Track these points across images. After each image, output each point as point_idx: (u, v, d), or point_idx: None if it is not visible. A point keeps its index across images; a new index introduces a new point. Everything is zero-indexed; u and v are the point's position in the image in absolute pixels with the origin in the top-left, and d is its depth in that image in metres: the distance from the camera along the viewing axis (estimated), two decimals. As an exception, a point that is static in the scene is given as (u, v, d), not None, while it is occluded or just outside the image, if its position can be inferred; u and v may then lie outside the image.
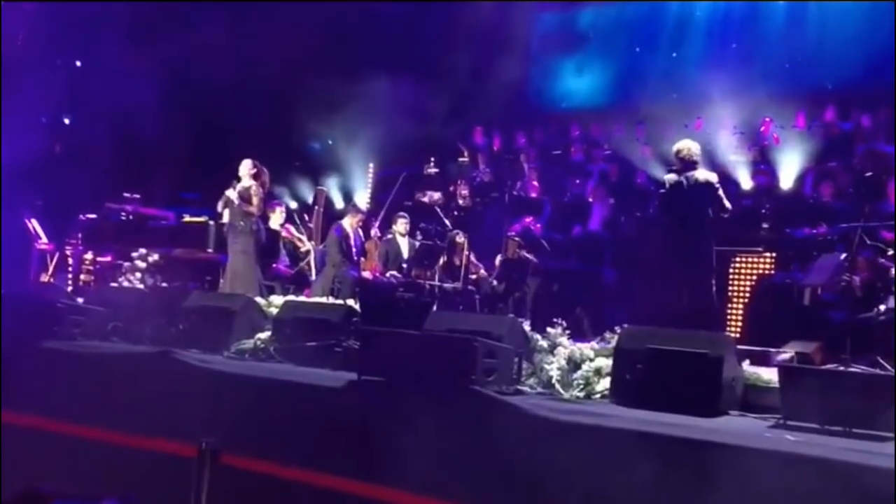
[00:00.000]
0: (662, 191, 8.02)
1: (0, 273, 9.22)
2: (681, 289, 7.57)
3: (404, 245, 10.47)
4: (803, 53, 11.75)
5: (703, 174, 7.78)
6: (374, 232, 11.06)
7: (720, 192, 7.73)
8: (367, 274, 10.28)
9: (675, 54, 13.51)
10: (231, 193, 9.17)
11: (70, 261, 11.00)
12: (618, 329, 5.48)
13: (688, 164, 7.77)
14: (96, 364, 6.14)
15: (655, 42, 13.83)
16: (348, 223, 10.34)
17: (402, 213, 10.63)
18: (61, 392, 5.90)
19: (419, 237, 10.75)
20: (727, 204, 7.77)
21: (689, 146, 7.85)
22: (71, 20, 11.71)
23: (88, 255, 10.91)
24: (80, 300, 7.74)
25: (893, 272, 7.43)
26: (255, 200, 9.22)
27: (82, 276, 10.81)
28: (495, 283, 10.18)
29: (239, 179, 9.28)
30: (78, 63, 12.95)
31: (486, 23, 13.92)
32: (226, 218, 9.73)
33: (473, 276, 10.21)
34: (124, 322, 7.12)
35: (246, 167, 9.31)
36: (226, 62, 11.64)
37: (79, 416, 5.60)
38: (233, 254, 9.24)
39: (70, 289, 10.22)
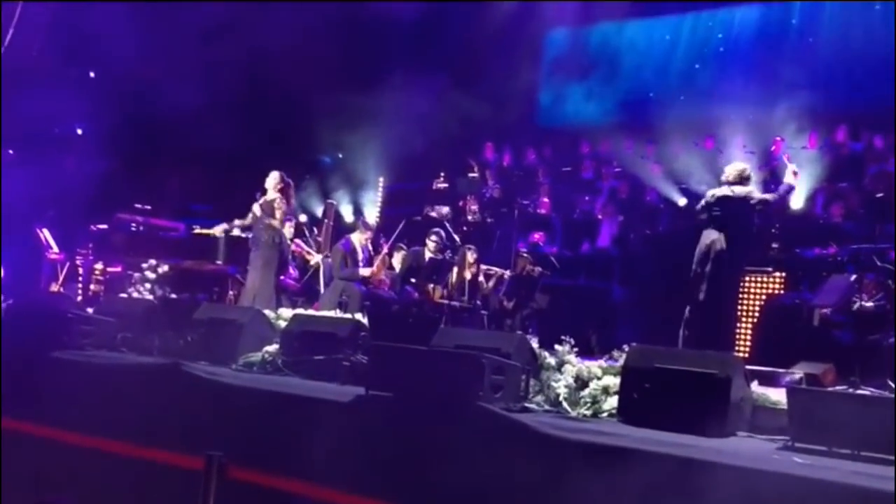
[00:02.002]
0: (708, 203, 7.75)
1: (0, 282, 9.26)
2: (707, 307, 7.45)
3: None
4: (815, 73, 11.76)
5: (744, 189, 7.61)
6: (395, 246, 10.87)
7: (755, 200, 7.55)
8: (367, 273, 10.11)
9: (686, 73, 13.54)
10: (255, 207, 9.11)
11: (80, 271, 11.03)
12: (626, 347, 5.48)
13: (734, 182, 7.65)
14: (105, 375, 6.15)
15: (667, 61, 13.87)
16: (357, 239, 10.32)
17: (436, 230, 10.47)
18: (69, 402, 5.90)
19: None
20: (766, 198, 7.57)
21: (735, 167, 7.74)
22: (86, 31, 11.80)
23: (98, 266, 10.95)
24: (89, 310, 7.76)
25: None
26: (278, 214, 9.12)
27: (92, 287, 10.85)
28: (504, 299, 10.18)
29: (265, 192, 9.22)
30: (92, 74, 13.04)
31: (499, 39, 14.00)
32: (236, 230, 9.78)
33: (484, 290, 10.20)
34: (133, 333, 7.14)
35: (273, 180, 9.21)
36: (238, 75, 11.71)
37: (87, 427, 5.60)
38: (254, 268, 9.12)
39: (80, 299, 10.26)
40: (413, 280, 10.24)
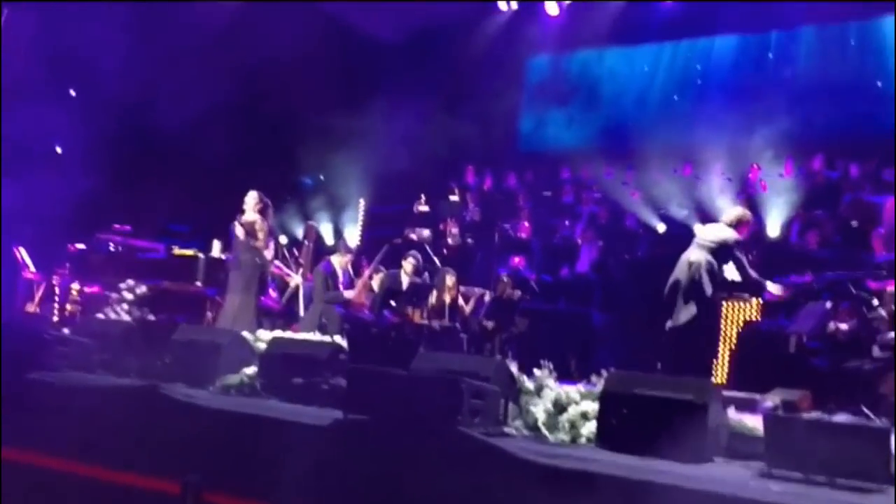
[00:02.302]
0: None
1: None
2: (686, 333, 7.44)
3: (406, 284, 10.43)
4: (792, 102, 11.94)
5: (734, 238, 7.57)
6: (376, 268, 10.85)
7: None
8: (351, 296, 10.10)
9: (665, 100, 13.70)
10: (237, 229, 9.01)
11: (57, 291, 10.92)
12: (604, 372, 5.50)
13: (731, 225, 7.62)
14: (81, 397, 6.07)
15: (646, 88, 14.04)
16: (337, 261, 10.28)
17: (413, 253, 10.48)
18: (44, 424, 5.83)
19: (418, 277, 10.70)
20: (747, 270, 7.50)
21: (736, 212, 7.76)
22: (67, 49, 11.77)
23: (76, 286, 10.83)
24: (66, 331, 7.69)
25: (877, 322, 7.48)
26: (260, 235, 9.00)
27: (69, 307, 10.73)
28: (484, 322, 10.18)
29: (243, 212, 9.14)
30: (72, 92, 12.99)
31: (481, 64, 14.13)
32: (215, 251, 9.72)
33: (464, 313, 10.21)
34: (110, 354, 7.08)
35: (252, 200, 9.10)
36: (219, 95, 11.70)
37: (62, 450, 5.53)
38: (233, 290, 9.00)
39: (56, 319, 10.16)
40: (391, 303, 10.22)
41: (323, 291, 9.89)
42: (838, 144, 11.89)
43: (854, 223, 9.91)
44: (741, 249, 7.52)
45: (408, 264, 10.27)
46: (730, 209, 8.04)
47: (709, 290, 7.24)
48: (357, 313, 9.98)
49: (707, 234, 7.53)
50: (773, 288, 7.65)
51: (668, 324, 7.41)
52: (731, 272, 7.48)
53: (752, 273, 7.55)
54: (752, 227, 8.09)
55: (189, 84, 11.51)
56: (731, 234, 7.43)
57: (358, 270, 10.78)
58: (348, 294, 10.03)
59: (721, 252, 7.34)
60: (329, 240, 13.06)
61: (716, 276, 7.29)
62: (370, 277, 10.60)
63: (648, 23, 13.83)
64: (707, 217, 10.53)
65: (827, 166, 11.72)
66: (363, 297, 10.22)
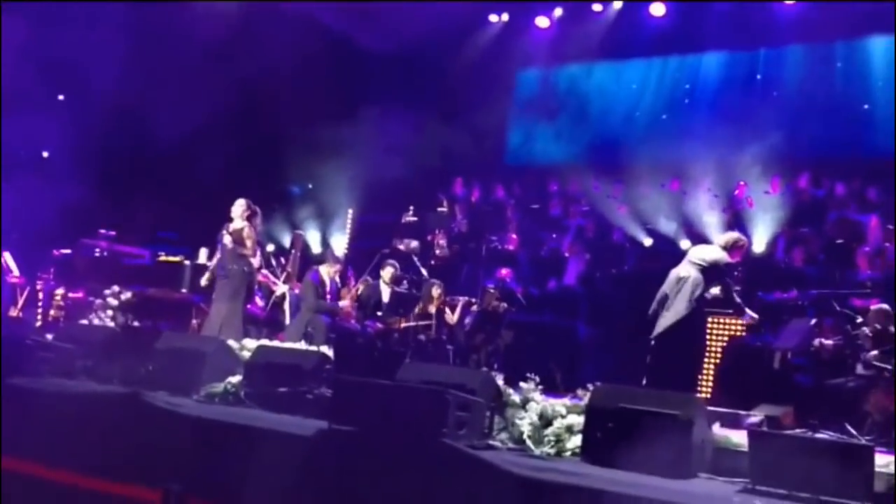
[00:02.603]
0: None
1: None
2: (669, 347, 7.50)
3: (386, 293, 10.42)
4: (779, 121, 12.03)
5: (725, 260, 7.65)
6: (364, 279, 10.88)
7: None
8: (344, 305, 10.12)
9: (653, 116, 13.78)
10: (225, 237, 8.93)
11: (40, 295, 10.84)
12: (590, 386, 5.50)
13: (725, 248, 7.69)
14: (62, 403, 6.02)
15: (635, 104, 14.12)
16: (325, 271, 10.25)
17: (391, 262, 10.50)
18: (25, 430, 5.78)
19: (404, 285, 10.71)
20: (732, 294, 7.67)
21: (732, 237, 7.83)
22: (57, 55, 11.74)
23: (59, 291, 10.76)
24: (48, 336, 7.62)
25: (861, 339, 7.52)
26: (248, 243, 8.93)
27: (52, 312, 10.66)
28: (470, 333, 10.18)
29: (231, 220, 9.08)
30: (61, 97, 12.94)
31: (471, 76, 14.18)
32: (201, 258, 9.68)
33: (450, 324, 10.20)
34: (93, 361, 7.01)
35: (240, 208, 9.03)
36: (207, 103, 11.68)
37: (42, 457, 5.48)
38: (220, 298, 8.92)
39: (39, 324, 10.08)
40: (373, 313, 10.21)
41: (313, 301, 9.85)
42: (824, 163, 11.99)
43: (839, 241, 9.97)
44: (730, 274, 7.62)
45: (385, 273, 10.31)
46: (727, 233, 8.07)
47: (693, 304, 7.28)
48: (343, 323, 9.95)
49: (700, 253, 7.58)
50: (751, 315, 7.81)
51: (652, 335, 7.45)
52: (716, 291, 7.56)
53: (736, 298, 7.71)
54: (745, 251, 8.17)
55: (179, 92, 11.50)
56: (723, 257, 7.49)
57: (344, 280, 10.76)
58: (342, 304, 10.03)
59: (711, 272, 7.39)
60: (316, 248, 13.03)
61: (702, 292, 7.34)
62: (357, 287, 10.59)
63: (638, 38, 13.92)
64: (693, 232, 10.60)
65: (813, 184, 11.81)
66: (350, 308, 10.21)
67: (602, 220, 12.13)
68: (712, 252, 7.54)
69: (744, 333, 9.12)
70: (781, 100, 12.75)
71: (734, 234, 7.88)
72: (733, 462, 4.99)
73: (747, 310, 7.79)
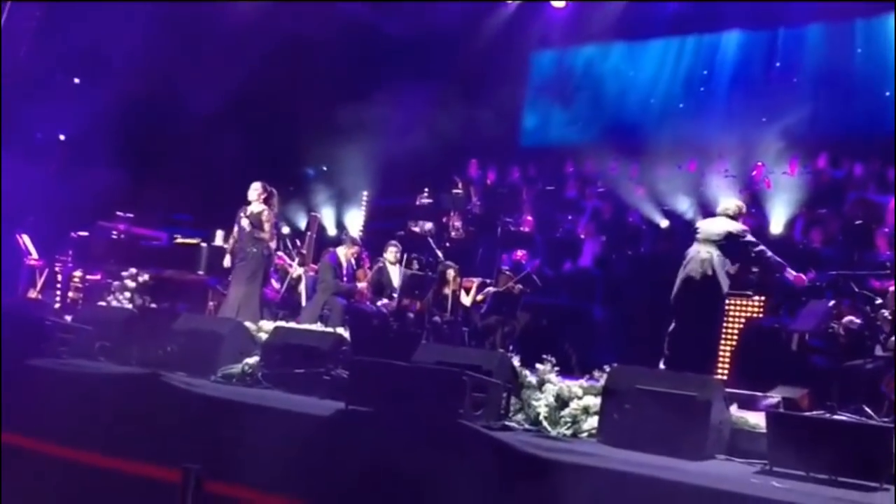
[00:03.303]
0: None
1: None
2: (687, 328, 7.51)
3: (395, 274, 10.44)
4: (797, 101, 11.90)
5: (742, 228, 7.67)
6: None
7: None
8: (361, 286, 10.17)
9: (671, 97, 13.66)
10: (243, 220, 9.01)
11: (59, 278, 10.92)
12: (606, 367, 5.49)
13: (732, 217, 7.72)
14: (81, 384, 6.08)
15: (652, 84, 13.99)
16: (342, 253, 10.28)
17: (392, 242, 10.57)
18: (45, 411, 5.83)
19: (415, 267, 10.72)
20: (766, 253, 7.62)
21: (734, 202, 7.83)
22: (72, 37, 11.76)
23: (78, 273, 10.84)
24: (67, 318, 7.68)
25: (880, 321, 7.47)
26: (266, 227, 9.02)
27: (70, 294, 10.74)
28: (485, 316, 10.17)
29: (249, 203, 9.13)
30: (76, 80, 12.98)
31: (486, 57, 14.09)
32: (218, 240, 9.71)
33: (465, 306, 10.21)
34: (112, 342, 7.07)
35: (256, 191, 9.09)
36: (224, 86, 11.69)
37: (62, 437, 5.54)
38: (238, 280, 9.00)
39: (58, 306, 10.15)
40: (388, 294, 10.24)
41: (331, 282, 9.88)
42: (843, 143, 11.85)
43: (858, 222, 9.88)
44: (752, 235, 7.58)
45: (389, 254, 10.32)
46: (726, 200, 8.02)
47: (724, 284, 7.28)
48: (359, 304, 9.98)
49: (712, 227, 7.54)
50: (792, 273, 7.71)
51: (673, 324, 7.45)
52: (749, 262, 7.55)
53: (774, 256, 7.63)
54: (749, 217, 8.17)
55: (194, 75, 11.50)
56: (737, 226, 7.47)
57: (360, 262, 10.79)
58: (360, 285, 10.07)
59: (729, 245, 7.36)
60: (332, 231, 13.05)
61: (726, 270, 7.35)
62: (371, 268, 10.62)
63: (655, 19, 13.76)
64: (710, 213, 10.52)
65: (831, 165, 11.68)
66: (367, 289, 10.24)
67: (618, 202, 12.05)
68: (724, 224, 7.52)
69: (761, 315, 9.08)
70: (800, 80, 12.60)
71: (737, 200, 7.87)
72: (751, 444, 4.99)
73: (787, 268, 7.68)
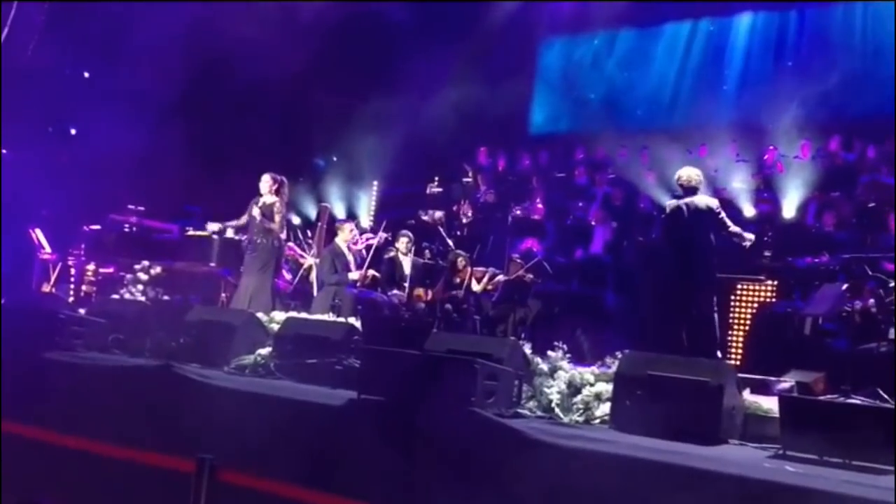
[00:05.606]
0: (663, 216, 8.03)
1: (0, 283, 9.22)
2: (683, 315, 7.57)
3: (407, 264, 10.44)
4: (809, 84, 11.80)
5: (703, 200, 7.79)
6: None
7: (722, 215, 7.73)
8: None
9: (682, 80, 13.58)
10: (255, 210, 9.07)
11: (72, 271, 10.99)
12: (618, 354, 5.49)
13: (688, 190, 7.80)
14: (96, 376, 6.14)
15: (662, 69, 13.91)
16: (341, 239, 10.30)
17: (404, 232, 10.57)
18: (60, 403, 5.89)
19: (427, 256, 10.72)
20: (731, 225, 7.76)
21: (688, 173, 7.89)
22: (80, 31, 11.78)
23: (91, 267, 10.91)
24: (81, 311, 7.74)
25: (893, 304, 7.42)
26: (277, 218, 9.10)
27: (84, 287, 10.81)
28: (497, 304, 10.16)
29: (260, 195, 9.19)
30: (86, 74, 13.01)
31: (495, 44, 14.03)
32: (229, 232, 9.75)
33: (477, 294, 10.20)
34: (125, 334, 7.13)
35: (266, 183, 9.17)
36: (233, 77, 11.69)
37: (77, 428, 5.57)
38: (249, 273, 9.07)
39: (71, 299, 10.22)
40: (398, 284, 10.24)
41: (329, 273, 9.89)
42: (855, 126, 11.76)
43: (871, 204, 9.81)
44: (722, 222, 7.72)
45: (400, 244, 10.32)
46: (684, 170, 8.02)
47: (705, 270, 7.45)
48: (371, 294, 9.99)
49: (699, 203, 7.60)
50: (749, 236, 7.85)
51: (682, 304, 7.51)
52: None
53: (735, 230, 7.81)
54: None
55: (204, 65, 11.51)
56: (714, 202, 7.69)
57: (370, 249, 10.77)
58: (353, 276, 10.07)
59: (708, 217, 7.55)
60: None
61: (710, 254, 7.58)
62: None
63: (665, 3, 13.68)
64: (722, 198, 10.46)
65: (844, 148, 11.60)
66: (361, 278, 10.22)
67: (629, 188, 12.00)
68: (706, 199, 7.73)
69: (774, 299, 9.04)
70: (811, 62, 12.50)
71: (680, 171, 7.95)
72: (764, 428, 4.98)
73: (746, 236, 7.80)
